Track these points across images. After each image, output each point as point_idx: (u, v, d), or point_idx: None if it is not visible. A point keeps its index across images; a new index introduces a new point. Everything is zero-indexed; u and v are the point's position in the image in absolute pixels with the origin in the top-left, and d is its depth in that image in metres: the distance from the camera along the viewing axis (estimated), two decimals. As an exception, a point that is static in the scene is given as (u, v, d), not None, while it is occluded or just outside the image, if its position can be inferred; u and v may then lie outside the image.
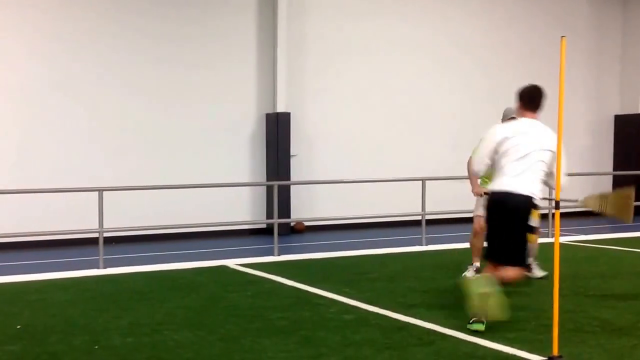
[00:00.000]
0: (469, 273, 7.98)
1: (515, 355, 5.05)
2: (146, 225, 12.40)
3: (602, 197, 6.77)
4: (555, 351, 4.84)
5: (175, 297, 7.47)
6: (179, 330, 5.94)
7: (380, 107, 15.84)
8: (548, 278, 7.40)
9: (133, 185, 12.76)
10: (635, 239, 11.10)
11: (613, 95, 18.48)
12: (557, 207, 5.01)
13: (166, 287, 8.15)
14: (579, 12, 18.07)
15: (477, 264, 7.96)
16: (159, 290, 7.93)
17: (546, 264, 7.94)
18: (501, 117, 8.09)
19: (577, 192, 16.51)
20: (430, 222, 12.12)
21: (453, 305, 6.80)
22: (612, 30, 18.37)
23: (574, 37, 17.55)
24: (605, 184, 18.06)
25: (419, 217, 12.07)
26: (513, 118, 7.04)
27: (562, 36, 4.85)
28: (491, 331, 5.69)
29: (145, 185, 12.94)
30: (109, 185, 11.63)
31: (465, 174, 7.54)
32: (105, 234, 10.18)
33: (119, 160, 13.66)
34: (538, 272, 8.05)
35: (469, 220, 11.38)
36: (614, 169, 18.17)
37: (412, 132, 16.11)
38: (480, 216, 7.75)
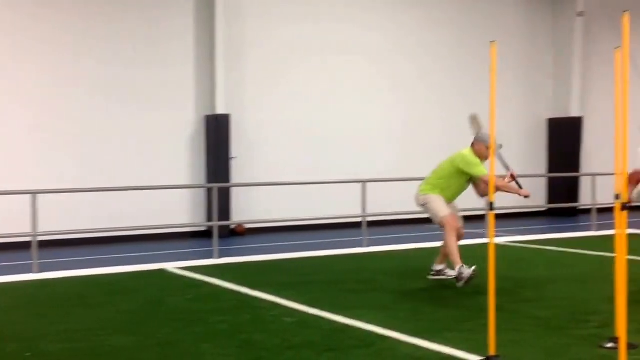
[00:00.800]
0: (453, 273, 7.88)
1: (453, 356, 5.09)
2: (83, 228, 12.19)
3: None
4: (493, 351, 4.89)
5: (113, 301, 7.35)
6: (115, 336, 5.84)
7: (319, 109, 15.86)
8: (478, 275, 7.46)
9: (69, 187, 12.54)
10: (570, 239, 11.35)
11: (546, 98, 18.86)
12: (491, 208, 5.09)
13: (103, 291, 8.01)
14: (512, 16, 18.37)
15: (460, 264, 7.78)
16: (95, 295, 7.80)
17: (482, 264, 8.03)
18: (476, 140, 8.14)
19: (512, 195, 16.67)
20: (371, 224, 12.18)
21: (393, 306, 6.85)
22: (543, 34, 18.72)
23: (507, 40, 17.84)
24: (540, 187, 18.43)
25: (360, 219, 12.13)
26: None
27: (492, 41, 4.92)
28: (430, 332, 5.74)
29: (82, 187, 12.74)
30: (42, 189, 11.37)
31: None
32: (40, 238, 9.95)
33: (55, 162, 13.38)
34: (450, 272, 8.10)
35: (411, 222, 11.49)
36: (548, 172, 18.53)
37: (352, 134, 16.17)
38: (448, 215, 7.94)
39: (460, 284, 7.69)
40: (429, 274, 8.35)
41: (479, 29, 17.59)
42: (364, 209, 11.95)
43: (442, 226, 8.01)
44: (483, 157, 8.06)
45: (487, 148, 7.86)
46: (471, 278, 7.64)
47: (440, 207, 8.06)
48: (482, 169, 7.95)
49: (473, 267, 7.68)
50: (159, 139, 14.35)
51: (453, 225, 7.98)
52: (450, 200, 8.27)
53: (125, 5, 14.10)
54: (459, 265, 7.77)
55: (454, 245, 7.91)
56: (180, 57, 14.56)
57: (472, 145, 8.16)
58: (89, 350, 5.44)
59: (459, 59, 17.45)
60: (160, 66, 14.37)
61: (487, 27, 17.68)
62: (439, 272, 8.31)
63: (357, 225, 12.76)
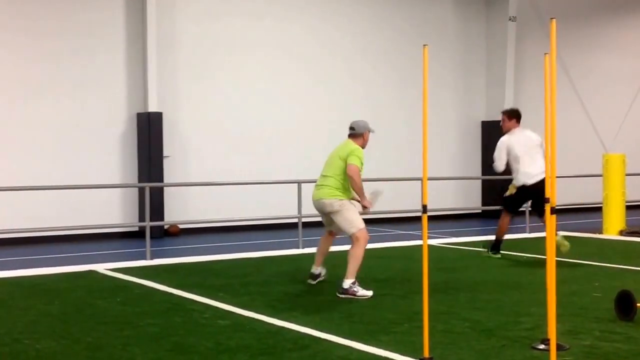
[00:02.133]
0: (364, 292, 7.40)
1: (388, 358, 5.08)
2: (7, 228, 11.85)
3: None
4: (426, 353, 4.90)
5: (38, 304, 7.14)
6: (41, 340, 5.66)
7: (254, 107, 15.77)
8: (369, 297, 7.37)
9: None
10: (504, 241, 11.48)
11: (480, 101, 19.14)
12: (424, 211, 5.09)
13: (28, 293, 7.79)
14: (446, 19, 18.58)
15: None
16: (20, 298, 7.57)
17: (416, 265, 8.11)
18: (360, 131, 7.95)
19: (449, 196, 17.12)
20: (307, 225, 12.14)
21: (328, 308, 6.82)
22: (477, 37, 19.00)
23: (441, 43, 18.10)
24: (475, 189, 18.69)
25: (296, 220, 12.09)
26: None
27: (425, 44, 4.93)
28: (365, 334, 5.72)
29: (8, 186, 12.39)
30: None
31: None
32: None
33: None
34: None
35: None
36: (483, 174, 18.78)
37: (288, 133, 16.12)
38: (364, 228, 7.60)
39: (343, 297, 7.34)
40: (311, 279, 8.14)
41: (413, 31, 17.75)
42: (299, 210, 11.90)
43: (357, 238, 7.52)
44: (365, 145, 7.84)
45: (369, 132, 7.90)
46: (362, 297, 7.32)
47: (357, 218, 7.61)
48: (358, 161, 7.53)
49: (370, 292, 7.39)
50: (90, 137, 14.06)
51: (367, 238, 7.61)
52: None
53: (56, -1, 13.79)
54: (353, 279, 7.42)
55: (361, 259, 7.53)
56: (110, 53, 14.30)
57: (354, 137, 7.85)
58: (12, 355, 5.26)
59: (394, 61, 17.57)
60: (90, 63, 14.09)
61: (421, 30, 17.86)
62: (317, 277, 8.14)
63: (293, 226, 12.71)
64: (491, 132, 18.85)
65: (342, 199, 7.66)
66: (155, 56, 14.38)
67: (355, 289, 7.36)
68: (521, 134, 9.99)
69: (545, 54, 4.71)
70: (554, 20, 4.46)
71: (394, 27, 17.68)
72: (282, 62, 16.16)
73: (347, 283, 7.38)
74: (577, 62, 19.20)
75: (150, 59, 14.31)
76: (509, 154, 9.87)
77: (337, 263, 8.16)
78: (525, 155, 9.81)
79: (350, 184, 7.65)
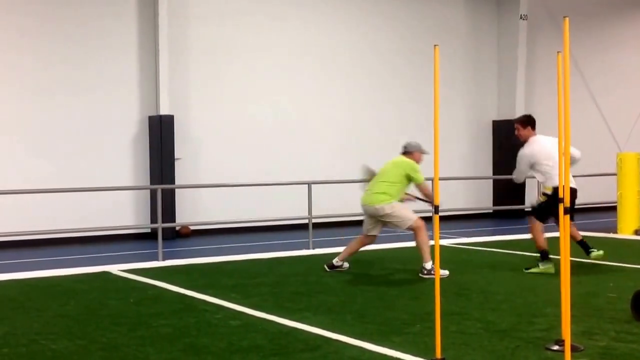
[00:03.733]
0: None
1: (400, 359, 5.08)
2: (24, 230, 11.93)
3: None
4: (439, 354, 4.89)
5: (54, 305, 7.18)
6: (57, 340, 5.69)
7: (265, 109, 15.79)
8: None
9: (7, 189, 12.26)
10: (515, 241, 11.46)
11: (491, 100, 19.09)
12: (436, 211, 5.08)
13: (45, 295, 7.83)
14: (458, 18, 18.55)
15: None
16: (36, 299, 7.61)
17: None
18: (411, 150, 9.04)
19: (460, 196, 17.10)
20: (317, 226, 12.15)
21: (340, 309, 6.82)
22: (488, 36, 18.95)
23: (453, 42, 18.07)
24: (486, 189, 18.64)
25: (306, 221, 12.10)
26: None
27: (435, 45, 4.92)
28: (377, 334, 5.72)
29: (22, 189, 12.47)
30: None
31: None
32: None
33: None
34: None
35: (357, 223, 11.51)
36: (494, 174, 18.74)
37: (299, 135, 16.13)
38: (417, 217, 8.75)
39: (428, 277, 8.32)
40: (327, 267, 9.07)
41: (424, 29, 17.73)
42: (310, 211, 11.91)
43: (415, 228, 8.63)
44: (419, 163, 8.99)
45: (421, 153, 8.98)
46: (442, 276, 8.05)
47: (407, 213, 8.75)
48: (421, 176, 8.82)
49: (446, 272, 8.39)
50: (103, 140, 14.12)
51: (424, 224, 8.66)
52: None
53: (68, 3, 13.82)
54: (431, 261, 8.40)
55: (428, 243, 8.56)
56: (122, 57, 14.35)
57: (407, 154, 8.98)
58: (29, 355, 5.29)
59: (405, 60, 17.56)
60: (103, 67, 14.14)
61: (432, 29, 17.85)
62: (338, 267, 9.07)
63: (303, 227, 12.72)
64: (503, 132, 18.84)
65: (390, 202, 8.69)
66: (166, 59, 14.42)
67: (433, 267, 8.25)
68: (545, 140, 9.25)
69: (558, 52, 4.69)
70: (567, 18, 4.44)
71: (405, 26, 17.66)
72: (293, 63, 16.17)
73: (428, 265, 8.46)
74: (590, 61, 19.12)
75: (162, 62, 14.35)
76: (533, 165, 9.14)
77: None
78: (555, 158, 8.88)
79: (425, 195, 8.89)
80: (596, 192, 16.40)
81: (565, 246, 4.66)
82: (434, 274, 7.64)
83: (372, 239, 9.10)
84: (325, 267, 9.07)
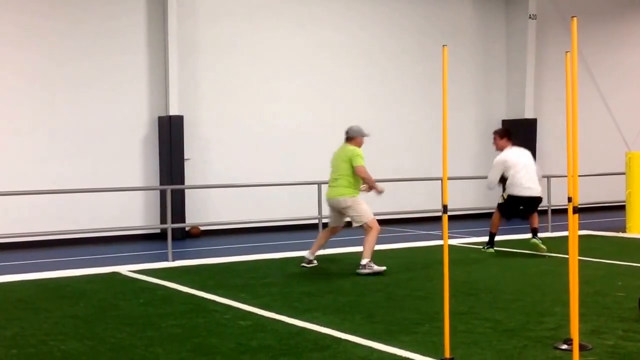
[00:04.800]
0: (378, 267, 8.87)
1: (409, 358, 5.08)
2: (34, 231, 11.97)
3: None
4: (447, 353, 4.89)
5: (64, 305, 7.21)
6: (66, 341, 5.72)
7: (274, 110, 15.80)
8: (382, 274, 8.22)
9: (19, 190, 12.31)
10: (523, 240, 11.44)
11: (500, 100, 19.05)
12: (445, 210, 5.09)
13: (54, 295, 7.86)
14: (466, 18, 18.51)
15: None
16: (46, 299, 7.64)
17: (437, 265, 8.11)
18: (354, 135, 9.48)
19: (470, 195, 17.06)
20: (327, 226, 12.13)
21: (349, 309, 6.83)
22: (497, 36, 18.92)
23: (462, 42, 18.04)
24: (495, 188, 18.55)
25: (316, 221, 12.10)
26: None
27: (444, 45, 4.92)
28: (386, 334, 5.73)
29: (32, 189, 12.51)
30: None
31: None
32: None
33: (4, 163, 13.11)
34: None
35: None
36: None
37: (309, 134, 16.13)
38: (374, 218, 9.12)
39: (363, 272, 8.74)
40: (305, 263, 9.41)
41: (433, 29, 17.71)
42: (319, 211, 11.92)
43: (369, 227, 8.97)
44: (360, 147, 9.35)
45: (363, 137, 9.40)
46: (376, 273, 8.76)
47: (366, 210, 9.06)
48: (361, 161, 9.08)
49: (383, 267, 8.85)
50: (112, 141, 14.15)
51: (378, 227, 9.06)
52: None
53: (76, 4, 13.87)
54: (369, 258, 8.85)
55: (374, 243, 8.99)
56: (132, 58, 14.38)
57: (349, 140, 9.40)
58: (39, 355, 5.32)
59: (414, 60, 17.55)
60: (112, 67, 14.17)
61: (441, 28, 17.83)
62: (310, 262, 9.43)
63: (313, 227, 12.73)
64: (512, 131, 18.77)
65: (353, 196, 9.09)
66: (176, 60, 14.45)
67: (371, 265, 8.80)
68: (517, 150, 10.81)
69: (567, 52, 4.68)
70: (575, 18, 4.43)
71: (414, 26, 17.65)
72: (304, 62, 16.17)
73: (364, 261, 8.81)
74: (598, 60, 19.06)
75: (172, 63, 14.39)
76: (506, 170, 10.54)
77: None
78: (524, 170, 10.48)
79: (363, 180, 9.16)
80: (605, 191, 16.37)
81: (573, 246, 4.66)
82: (368, 270, 8.75)
83: (336, 231, 9.65)
84: (305, 265, 9.41)
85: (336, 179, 9.25)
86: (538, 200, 10.61)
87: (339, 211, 9.30)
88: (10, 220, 12.50)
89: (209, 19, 15.13)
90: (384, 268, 8.85)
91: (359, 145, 9.36)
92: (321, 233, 9.99)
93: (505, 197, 10.74)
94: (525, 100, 18.55)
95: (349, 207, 9.08)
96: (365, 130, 9.52)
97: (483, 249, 10.81)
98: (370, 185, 9.27)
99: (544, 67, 19.04)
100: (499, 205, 10.94)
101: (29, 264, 10.76)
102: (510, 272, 9.04)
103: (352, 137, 9.41)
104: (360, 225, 9.09)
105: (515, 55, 18.81)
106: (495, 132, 11.09)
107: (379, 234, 9.05)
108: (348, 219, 9.54)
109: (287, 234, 14.27)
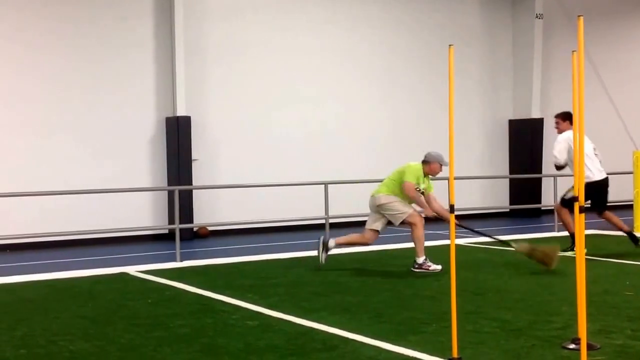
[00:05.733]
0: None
1: (416, 358, 5.09)
2: (42, 232, 12.01)
3: (533, 248, 8.93)
4: (455, 353, 4.90)
5: (72, 306, 7.24)
6: (75, 341, 5.75)
7: (281, 110, 15.81)
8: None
9: (27, 191, 12.36)
10: (532, 240, 11.41)
11: (507, 99, 19.03)
12: (452, 210, 5.09)
13: (63, 296, 7.90)
14: (472, 17, 18.49)
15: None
16: (55, 300, 7.68)
17: (444, 266, 8.13)
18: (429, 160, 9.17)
19: (476, 195, 16.96)
20: (334, 226, 12.18)
21: (356, 309, 6.84)
22: (503, 35, 18.88)
23: (468, 41, 18.01)
24: (502, 188, 18.59)
25: (323, 221, 12.12)
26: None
27: (450, 44, 4.93)
28: (394, 334, 5.74)
29: (40, 190, 12.55)
30: (1, 192, 11.20)
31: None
32: (-2, 242, 9.79)
33: (12, 164, 13.17)
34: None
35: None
36: (510, 173, 18.69)
37: (315, 135, 16.14)
38: (413, 211, 9.08)
39: (417, 270, 8.88)
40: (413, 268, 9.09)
41: (438, 29, 17.70)
42: (326, 211, 11.93)
43: (410, 223, 8.93)
44: (434, 173, 9.15)
45: (441, 166, 9.05)
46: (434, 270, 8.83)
47: (402, 207, 8.96)
48: (409, 177, 8.88)
49: (440, 266, 8.85)
50: (120, 141, 14.19)
51: (421, 219, 8.99)
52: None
53: (83, 5, 13.91)
54: (424, 256, 8.92)
55: (423, 238, 8.99)
56: (139, 58, 14.42)
57: (425, 163, 9.08)
58: (48, 356, 5.35)
59: (419, 59, 17.54)
60: (119, 68, 14.21)
61: (447, 28, 17.82)
62: (327, 249, 9.39)
63: (320, 227, 12.74)
64: (518, 131, 18.79)
65: (387, 193, 9.00)
66: (183, 61, 14.48)
67: (428, 264, 8.86)
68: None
69: (573, 51, 4.69)
70: (581, 17, 4.44)
71: (420, 26, 17.63)
72: (311, 64, 16.18)
73: (420, 259, 8.89)
74: (605, 59, 18.99)
75: (179, 64, 14.41)
76: (569, 151, 9.91)
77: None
78: (591, 153, 10.10)
79: (406, 197, 8.99)
80: (612, 191, 16.28)
81: (580, 244, 4.66)
82: (424, 269, 8.67)
83: (373, 236, 9.28)
84: (321, 252, 9.33)
85: (382, 180, 9.31)
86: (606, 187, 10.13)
87: (376, 211, 9.14)
88: (19, 221, 12.55)
89: (216, 19, 15.15)
90: (440, 267, 8.82)
91: (433, 172, 9.10)
92: (356, 234, 9.67)
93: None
94: (532, 99, 18.52)
95: (382, 205, 8.98)
96: (446, 159, 8.76)
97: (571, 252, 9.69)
98: (419, 205, 9.08)
99: (551, 66, 19.01)
100: (567, 201, 10.08)
101: (38, 265, 10.81)
102: (517, 271, 9.03)
103: (428, 161, 9.08)
104: (403, 223, 8.96)
105: (522, 55, 18.78)
106: (558, 115, 10.59)
107: (423, 227, 8.98)
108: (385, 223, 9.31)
109: (294, 234, 14.28)
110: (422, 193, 9.12)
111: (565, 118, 10.33)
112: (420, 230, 8.90)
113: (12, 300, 7.67)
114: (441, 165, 9.07)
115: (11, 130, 13.27)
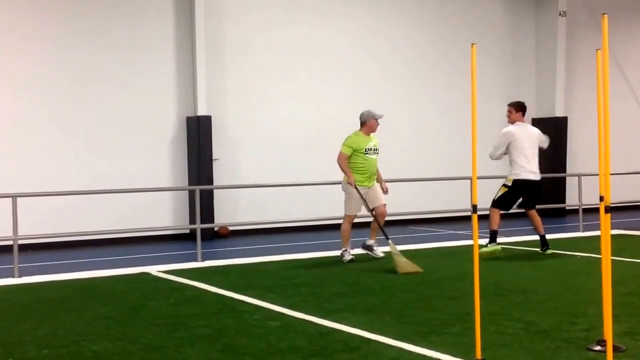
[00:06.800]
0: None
1: (439, 359, 5.05)
2: (64, 232, 12.08)
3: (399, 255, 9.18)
4: (479, 354, 4.84)
5: (95, 306, 7.26)
6: (98, 341, 5.76)
7: (302, 110, 15.79)
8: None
9: (50, 191, 12.43)
10: (556, 240, 11.33)
11: (530, 98, 18.85)
12: (474, 210, 5.03)
13: (85, 296, 7.93)
14: (495, 15, 18.36)
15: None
16: (77, 300, 7.71)
17: (467, 265, 8.03)
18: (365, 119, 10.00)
19: (489, 195, 16.64)
20: (355, 226, 12.07)
21: (378, 309, 6.80)
22: (526, 34, 18.73)
23: (490, 39, 17.91)
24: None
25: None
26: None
27: (473, 43, 4.88)
28: (416, 335, 5.69)
29: (63, 190, 12.61)
30: (24, 191, 11.25)
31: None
32: (20, 242, 9.83)
33: (34, 164, 13.26)
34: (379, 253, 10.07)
35: (394, 223, 11.52)
36: (533, 172, 18.53)
37: (338, 134, 16.01)
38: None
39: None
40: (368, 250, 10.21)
41: (462, 26, 17.60)
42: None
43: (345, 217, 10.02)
44: (374, 129, 10.02)
45: (375, 119, 9.93)
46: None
47: (349, 204, 9.99)
48: (343, 149, 9.95)
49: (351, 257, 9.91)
50: (141, 141, 14.24)
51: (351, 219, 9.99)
52: (370, 180, 9.94)
53: (105, 5, 13.97)
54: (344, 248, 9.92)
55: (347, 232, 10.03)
56: (160, 58, 14.46)
57: (361, 125, 10.03)
58: (70, 355, 5.36)
59: (443, 58, 17.45)
60: (141, 67, 14.26)
61: (470, 25, 17.72)
62: (369, 247, 10.24)
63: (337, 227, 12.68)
64: (542, 129, 18.59)
65: (345, 181, 9.91)
66: (204, 60, 14.50)
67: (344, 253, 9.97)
68: (525, 128, 10.46)
69: (597, 49, 4.62)
70: (606, 15, 4.37)
71: (443, 23, 17.55)
72: (331, 64, 16.14)
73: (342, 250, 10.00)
74: (630, 56, 18.83)
75: (199, 64, 14.44)
76: (510, 145, 10.24)
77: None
78: (529, 150, 10.19)
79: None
80: (638, 190, 16.15)
81: (605, 245, 4.59)
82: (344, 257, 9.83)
83: (381, 210, 10.03)
84: (367, 251, 10.23)
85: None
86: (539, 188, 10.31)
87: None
88: (40, 220, 12.60)
89: (237, 18, 15.16)
90: (350, 258, 9.89)
91: (372, 129, 9.86)
92: (373, 223, 10.27)
93: (509, 184, 10.45)
94: (556, 98, 18.37)
95: (343, 190, 10.02)
96: (377, 112, 10.06)
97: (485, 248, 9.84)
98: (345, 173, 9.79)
99: (574, 64, 18.84)
100: (496, 200, 10.57)
101: (60, 265, 10.86)
102: (542, 272, 8.95)
103: (363, 121, 9.95)
104: None
105: (545, 53, 18.64)
106: (510, 104, 10.75)
107: (349, 225, 9.99)
108: (384, 202, 10.10)
109: (316, 234, 14.25)
110: (376, 150, 9.96)
111: (519, 109, 10.50)
112: (347, 225, 9.96)
113: (35, 300, 7.70)
114: (376, 119, 9.86)
115: (35, 128, 13.34)
